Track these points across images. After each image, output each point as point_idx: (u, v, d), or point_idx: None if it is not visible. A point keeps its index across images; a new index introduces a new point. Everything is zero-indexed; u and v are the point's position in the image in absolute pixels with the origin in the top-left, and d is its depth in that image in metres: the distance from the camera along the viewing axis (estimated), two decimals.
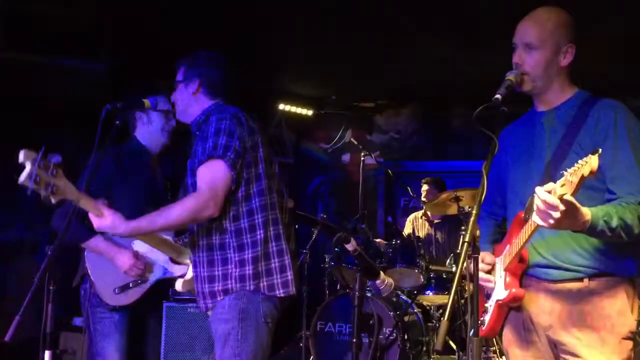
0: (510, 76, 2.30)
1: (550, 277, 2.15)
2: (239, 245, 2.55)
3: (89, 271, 2.98)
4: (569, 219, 1.88)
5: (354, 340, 2.39)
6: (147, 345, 3.17)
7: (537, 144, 2.25)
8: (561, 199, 1.82)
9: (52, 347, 2.35)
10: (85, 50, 4.64)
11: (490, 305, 2.26)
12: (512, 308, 2.23)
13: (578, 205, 1.87)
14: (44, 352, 2.37)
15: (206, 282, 2.58)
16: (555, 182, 1.86)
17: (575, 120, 2.15)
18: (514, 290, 2.15)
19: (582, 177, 1.79)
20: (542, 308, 2.16)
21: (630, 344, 2.11)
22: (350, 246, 2.29)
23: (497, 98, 2.19)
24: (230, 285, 2.53)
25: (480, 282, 2.16)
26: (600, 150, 1.81)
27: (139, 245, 2.97)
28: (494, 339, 4.68)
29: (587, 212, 1.91)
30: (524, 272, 2.20)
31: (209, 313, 2.62)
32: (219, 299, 2.55)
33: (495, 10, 4.14)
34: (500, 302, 2.20)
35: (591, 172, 1.78)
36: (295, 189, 6.81)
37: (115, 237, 2.93)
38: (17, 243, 4.30)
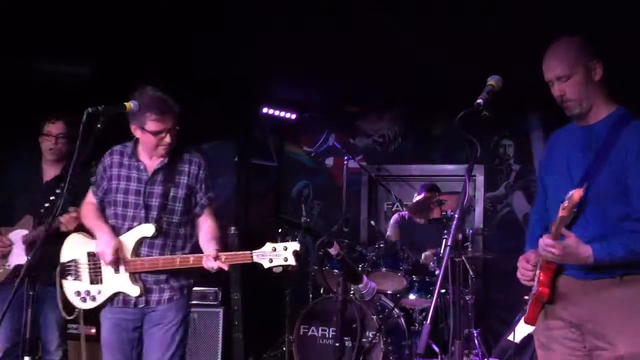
0: (492, 81, 2.37)
1: (585, 278, 2.29)
2: None
3: None
4: (570, 257, 2.20)
5: (337, 344, 2.40)
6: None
7: (573, 157, 2.39)
8: (554, 245, 2.18)
9: (32, 353, 2.33)
10: (72, 53, 4.63)
11: (529, 297, 2.42)
12: (547, 302, 2.37)
13: (575, 247, 2.18)
14: (23, 358, 2.34)
15: None
16: (591, 194, 2.18)
17: (608, 139, 2.28)
18: (540, 289, 2.33)
19: (570, 210, 2.13)
20: (576, 304, 2.31)
21: None
22: (334, 250, 2.30)
23: (479, 103, 2.26)
24: None
25: (523, 279, 2.44)
26: (584, 185, 2.16)
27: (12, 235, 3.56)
28: (475, 341, 4.73)
29: (587, 251, 2.18)
30: (560, 271, 2.34)
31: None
32: None
33: (481, 16, 4.18)
34: (534, 296, 2.37)
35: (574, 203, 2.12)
36: (279, 193, 6.81)
37: None
38: None
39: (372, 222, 5.59)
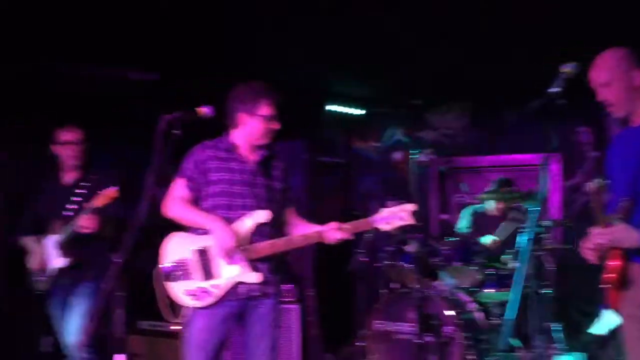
0: (567, 69, 2.38)
1: None
2: None
3: None
4: (620, 242, 2.39)
5: (418, 341, 2.39)
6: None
7: (627, 154, 2.52)
8: (601, 233, 2.41)
9: (123, 351, 2.43)
10: (140, 61, 4.80)
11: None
12: (622, 288, 2.46)
13: (622, 233, 2.37)
14: (114, 356, 2.46)
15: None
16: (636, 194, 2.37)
17: None
18: (606, 275, 2.46)
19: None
20: None
21: None
22: (411, 247, 2.30)
23: (554, 91, 2.26)
24: None
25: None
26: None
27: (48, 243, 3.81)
28: (556, 335, 4.59)
29: (635, 236, 2.34)
30: (628, 258, 2.44)
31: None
32: None
33: (546, 6, 4.05)
34: (603, 282, 2.49)
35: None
36: (347, 189, 6.82)
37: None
38: None
39: (444, 216, 5.50)
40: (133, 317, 4.52)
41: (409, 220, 2.87)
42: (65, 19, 4.08)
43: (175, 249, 3.07)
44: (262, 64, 5.22)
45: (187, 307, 3.03)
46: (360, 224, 2.99)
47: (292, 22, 4.42)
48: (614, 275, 2.44)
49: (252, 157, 3.13)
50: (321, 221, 3.08)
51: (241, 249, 2.99)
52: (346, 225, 2.97)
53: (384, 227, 2.90)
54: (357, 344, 5.03)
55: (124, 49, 4.63)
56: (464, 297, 4.56)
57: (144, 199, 2.75)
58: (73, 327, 3.75)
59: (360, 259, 5.14)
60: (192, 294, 2.99)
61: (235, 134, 3.13)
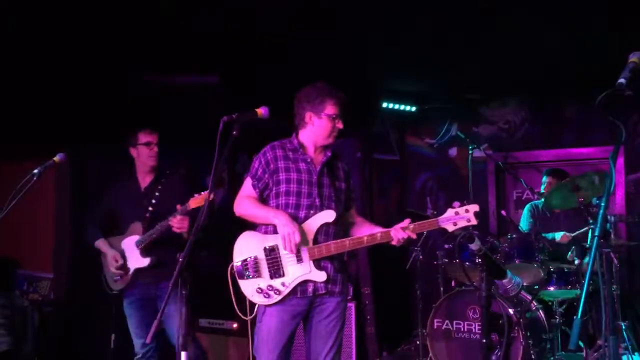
0: (634, 58, 2.26)
1: None
2: None
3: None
4: None
5: (484, 340, 2.35)
6: (165, 325, 3.73)
7: None
8: None
9: (187, 349, 2.50)
10: (200, 65, 4.90)
11: None
12: None
13: None
14: (180, 355, 2.52)
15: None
16: None
17: None
18: None
19: None
20: None
21: None
22: (475, 245, 2.27)
23: (622, 82, 2.18)
24: None
25: None
26: None
27: (121, 244, 3.92)
28: (624, 334, 4.43)
29: None
30: None
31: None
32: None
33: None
34: None
35: None
36: (403, 186, 6.77)
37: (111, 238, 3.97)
38: None
39: (503, 212, 5.40)
40: (194, 315, 4.63)
41: (474, 221, 2.87)
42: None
43: (246, 247, 3.13)
44: (317, 61, 5.24)
45: (258, 304, 3.10)
46: (425, 224, 2.99)
47: (346, 19, 4.42)
48: None
49: (319, 158, 3.20)
50: (376, 219, 3.10)
51: (308, 247, 3.05)
52: (412, 225, 2.99)
53: (450, 227, 2.90)
54: (416, 342, 4.99)
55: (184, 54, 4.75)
56: (526, 295, 4.46)
57: (206, 199, 2.80)
58: (170, 326, 3.75)
59: (419, 256, 5.11)
60: (262, 292, 3.05)
61: (303, 135, 3.22)
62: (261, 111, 3.03)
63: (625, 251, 5.40)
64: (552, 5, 4.10)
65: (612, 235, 4.56)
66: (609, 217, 4.59)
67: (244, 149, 5.58)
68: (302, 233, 3.03)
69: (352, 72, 5.50)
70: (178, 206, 3.64)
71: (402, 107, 6.42)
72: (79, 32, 4.24)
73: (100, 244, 4.00)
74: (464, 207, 2.92)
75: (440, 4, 4.13)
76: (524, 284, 4.53)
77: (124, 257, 3.90)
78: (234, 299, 3.09)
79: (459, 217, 2.91)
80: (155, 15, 4.06)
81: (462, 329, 4.43)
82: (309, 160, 3.16)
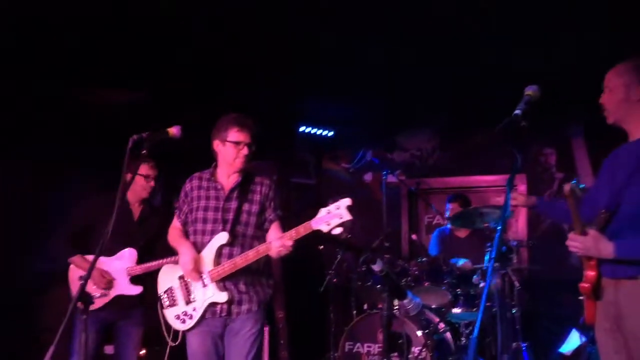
0: (529, 91, 2.40)
1: (612, 277, 2.51)
2: None
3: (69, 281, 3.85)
4: (591, 250, 2.47)
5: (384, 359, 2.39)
6: (120, 346, 3.85)
7: (616, 168, 2.60)
8: (575, 238, 2.50)
9: None
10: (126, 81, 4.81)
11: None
12: (596, 299, 2.56)
13: (593, 241, 2.45)
14: None
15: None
16: (620, 205, 2.45)
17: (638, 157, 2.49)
18: (581, 284, 2.56)
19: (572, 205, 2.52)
20: (612, 302, 2.50)
21: None
22: (377, 266, 2.31)
23: (517, 113, 2.30)
24: None
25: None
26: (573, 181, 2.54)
27: (105, 265, 3.77)
28: (524, 355, 4.63)
29: (608, 247, 2.43)
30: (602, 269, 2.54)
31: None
32: None
33: (518, 32, 4.16)
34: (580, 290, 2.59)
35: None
36: (318, 210, 6.81)
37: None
38: (50, 274, 4.40)
39: (414, 236, 5.56)
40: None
41: (347, 216, 2.80)
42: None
43: (165, 279, 3.36)
44: (233, 85, 5.25)
45: (180, 331, 3.26)
46: (300, 229, 2.97)
47: (264, 43, 4.46)
48: (588, 285, 2.52)
49: (228, 184, 3.29)
50: None
51: (209, 270, 3.16)
52: (287, 233, 3.00)
53: (325, 228, 2.86)
54: None
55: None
56: (434, 317, 4.59)
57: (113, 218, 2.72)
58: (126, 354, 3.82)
59: (333, 279, 5.15)
60: (179, 318, 3.24)
61: (217, 163, 3.34)
62: (173, 130, 2.98)
63: (527, 274, 5.67)
64: (462, 36, 4.32)
65: (515, 259, 4.78)
66: (511, 242, 4.83)
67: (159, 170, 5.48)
68: (206, 258, 3.17)
69: (271, 96, 5.54)
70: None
71: (319, 131, 6.51)
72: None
73: (78, 260, 3.82)
74: (335, 204, 2.86)
75: (358, 32, 4.27)
76: (432, 306, 4.69)
77: (110, 280, 3.79)
78: (163, 328, 3.28)
79: (331, 215, 2.85)
80: (84, 29, 3.97)
81: (372, 352, 4.49)
82: (219, 187, 3.29)
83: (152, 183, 3.94)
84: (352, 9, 3.89)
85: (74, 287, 3.85)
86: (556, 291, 5.43)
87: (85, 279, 2.37)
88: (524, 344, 4.70)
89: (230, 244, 3.16)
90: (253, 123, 3.29)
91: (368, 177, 6.71)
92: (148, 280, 3.78)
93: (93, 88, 4.85)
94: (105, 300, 3.79)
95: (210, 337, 3.19)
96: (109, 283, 3.77)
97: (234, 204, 3.23)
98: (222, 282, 3.15)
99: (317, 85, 5.39)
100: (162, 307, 3.31)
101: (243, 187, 3.28)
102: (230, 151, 3.23)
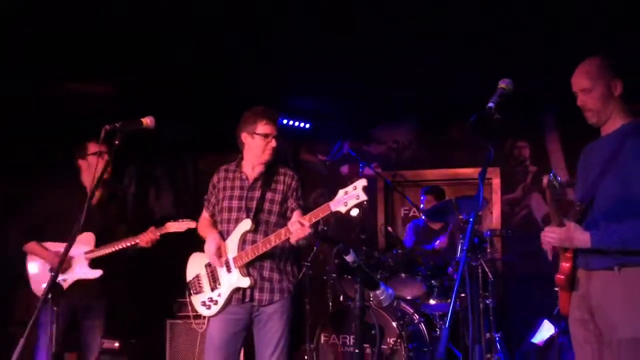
0: (503, 84, 2.42)
1: (587, 268, 2.56)
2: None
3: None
4: (567, 241, 2.51)
5: (357, 351, 2.41)
6: (85, 336, 3.88)
7: (592, 163, 2.65)
8: (552, 230, 2.55)
9: None
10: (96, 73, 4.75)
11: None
12: (571, 290, 2.61)
13: (570, 232, 2.49)
14: None
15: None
16: (595, 198, 2.51)
17: (616, 149, 2.54)
18: (557, 275, 2.61)
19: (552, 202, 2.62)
20: (586, 293, 2.56)
21: None
22: (350, 257, 2.32)
23: (490, 106, 2.32)
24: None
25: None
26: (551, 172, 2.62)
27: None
28: (497, 345, 4.70)
29: (584, 237, 2.47)
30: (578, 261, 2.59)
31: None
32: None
33: (492, 24, 4.19)
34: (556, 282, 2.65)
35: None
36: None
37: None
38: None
39: (389, 229, 5.59)
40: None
41: (363, 197, 2.84)
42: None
43: (193, 266, 3.48)
44: (209, 79, 5.22)
45: (206, 317, 3.42)
46: (319, 212, 3.01)
47: (242, 34, 4.43)
48: (563, 277, 2.59)
49: (252, 174, 3.41)
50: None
51: (234, 256, 3.27)
52: (305, 216, 3.05)
53: (343, 209, 2.90)
54: (304, 357, 5.02)
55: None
56: (408, 308, 4.62)
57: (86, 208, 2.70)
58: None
59: (309, 272, 5.16)
60: (204, 304, 3.36)
61: (244, 155, 3.45)
62: (147, 121, 2.97)
63: (501, 265, 5.74)
64: (436, 31, 4.34)
65: (488, 250, 4.83)
66: (485, 232, 4.88)
67: (132, 161, 5.43)
68: (231, 245, 3.29)
69: (247, 88, 5.51)
70: (152, 227, 3.77)
71: (297, 123, 6.50)
72: None
73: (34, 246, 3.81)
74: (352, 185, 2.90)
75: (335, 26, 4.26)
76: (407, 297, 4.73)
77: (67, 265, 3.77)
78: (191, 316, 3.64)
79: (348, 196, 2.89)
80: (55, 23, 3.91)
81: (347, 342, 4.51)
82: (244, 177, 3.41)
83: (107, 157, 3.81)
84: (329, 2, 3.88)
85: (35, 281, 3.82)
86: (529, 282, 5.51)
87: (55, 272, 2.35)
88: (497, 334, 4.77)
89: (253, 230, 3.27)
90: (278, 117, 3.43)
91: (344, 169, 6.73)
92: (109, 267, 3.79)
93: (61, 81, 4.78)
94: (65, 285, 3.76)
95: (233, 326, 3.27)
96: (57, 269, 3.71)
97: (257, 193, 3.34)
98: (246, 268, 3.25)
99: (294, 77, 5.38)
100: (189, 294, 3.44)
101: (267, 177, 3.38)
102: (259, 143, 3.33)
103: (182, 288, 3.55)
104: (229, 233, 3.33)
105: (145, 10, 3.92)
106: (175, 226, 3.79)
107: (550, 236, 2.55)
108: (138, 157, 4.43)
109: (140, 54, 4.60)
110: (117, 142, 2.73)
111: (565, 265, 2.57)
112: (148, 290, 5.09)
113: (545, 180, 2.60)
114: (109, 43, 4.34)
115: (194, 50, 4.68)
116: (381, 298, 2.41)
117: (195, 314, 3.53)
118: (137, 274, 4.59)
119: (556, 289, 2.68)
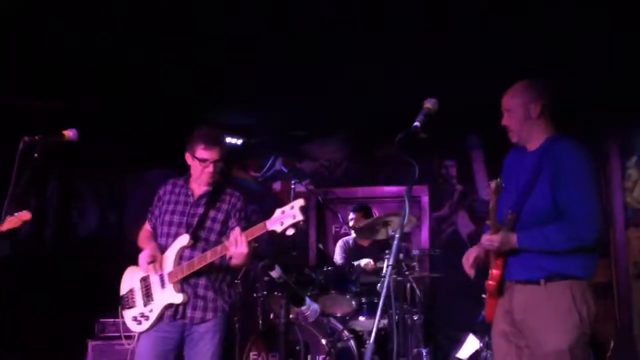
0: (428, 104, 2.49)
1: (512, 279, 2.69)
2: None
3: None
4: (505, 245, 2.63)
5: None
6: None
7: (519, 173, 2.76)
8: (492, 237, 2.65)
9: None
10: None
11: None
12: (499, 297, 2.72)
13: (505, 235, 2.62)
14: None
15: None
16: (524, 207, 2.63)
17: (540, 162, 2.67)
18: (487, 282, 2.73)
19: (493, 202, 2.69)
20: (512, 304, 2.67)
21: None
22: (275, 273, 2.32)
23: (416, 125, 2.36)
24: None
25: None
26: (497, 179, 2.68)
27: None
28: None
29: (513, 238, 2.62)
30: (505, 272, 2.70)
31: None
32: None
33: (421, 42, 4.30)
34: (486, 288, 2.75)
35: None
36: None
37: None
38: None
39: (320, 246, 5.62)
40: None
41: (300, 217, 2.87)
42: None
43: (127, 281, 3.41)
44: (139, 96, 5.13)
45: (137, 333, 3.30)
46: (255, 229, 3.02)
47: (173, 47, 4.38)
48: (493, 283, 2.68)
49: (198, 191, 3.37)
50: None
51: (168, 271, 3.21)
52: (243, 234, 3.03)
53: (278, 228, 2.92)
54: None
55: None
56: (338, 325, 4.64)
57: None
58: None
59: (238, 289, 5.09)
60: (136, 320, 3.27)
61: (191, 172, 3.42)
62: (69, 133, 2.90)
63: (429, 282, 5.86)
64: (371, 50, 4.42)
65: (416, 268, 4.92)
66: (414, 251, 4.98)
67: (55, 175, 5.24)
68: (168, 259, 3.22)
69: (177, 104, 5.43)
70: None
71: (228, 139, 6.44)
72: None
73: None
74: (289, 205, 2.93)
75: (267, 42, 4.27)
76: (337, 314, 4.74)
77: None
78: (121, 332, 3.43)
79: (285, 215, 2.93)
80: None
81: None
82: (189, 193, 3.37)
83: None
84: (260, 13, 3.89)
85: None
86: (457, 298, 5.64)
87: None
88: (425, 350, 4.84)
89: (191, 247, 3.22)
90: (223, 141, 3.41)
91: (277, 186, 6.72)
92: None
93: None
94: None
95: (163, 344, 3.19)
96: None
97: (200, 210, 3.30)
98: (181, 284, 3.18)
99: (224, 93, 5.34)
100: (121, 309, 3.35)
101: (213, 196, 3.34)
102: (197, 167, 3.30)
103: (107, 305, 3.46)
104: (166, 247, 3.28)
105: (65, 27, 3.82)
106: (11, 222, 3.41)
107: (489, 243, 2.65)
108: (61, 172, 4.28)
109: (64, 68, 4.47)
110: (36, 154, 2.63)
111: (495, 272, 2.68)
112: (64, 307, 4.89)
113: (493, 185, 2.68)
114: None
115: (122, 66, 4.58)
116: (307, 314, 2.41)
117: (126, 333, 3.44)
118: (52, 287, 4.40)
119: (484, 295, 2.78)
